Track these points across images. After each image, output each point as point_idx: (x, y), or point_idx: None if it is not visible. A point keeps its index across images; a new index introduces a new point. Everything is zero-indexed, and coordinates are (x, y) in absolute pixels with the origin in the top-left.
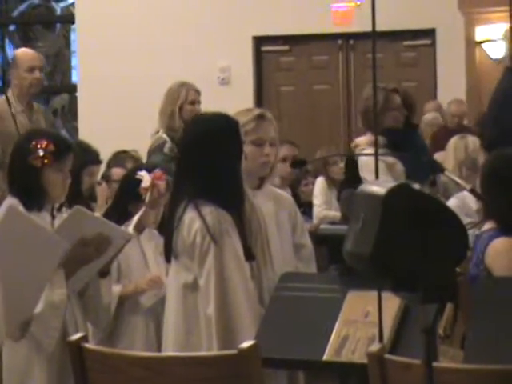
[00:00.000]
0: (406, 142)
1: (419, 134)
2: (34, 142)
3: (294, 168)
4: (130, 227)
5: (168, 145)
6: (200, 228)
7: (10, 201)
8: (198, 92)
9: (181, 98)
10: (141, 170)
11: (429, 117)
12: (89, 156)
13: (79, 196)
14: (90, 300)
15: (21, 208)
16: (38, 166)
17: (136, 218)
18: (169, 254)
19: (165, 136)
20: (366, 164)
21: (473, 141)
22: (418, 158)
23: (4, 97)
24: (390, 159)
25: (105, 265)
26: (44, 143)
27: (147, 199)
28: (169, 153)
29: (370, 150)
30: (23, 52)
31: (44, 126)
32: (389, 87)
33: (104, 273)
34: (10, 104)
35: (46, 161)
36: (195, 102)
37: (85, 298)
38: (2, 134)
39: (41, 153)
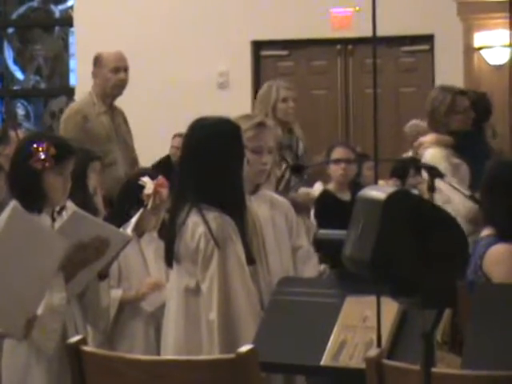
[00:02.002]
0: (471, 144)
1: (485, 137)
2: (35, 145)
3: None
4: (129, 229)
5: None
6: (204, 233)
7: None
8: (289, 89)
9: (272, 99)
10: (143, 175)
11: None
12: (89, 153)
13: (86, 195)
14: (89, 302)
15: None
16: (39, 169)
17: (134, 219)
18: (170, 258)
19: None
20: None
21: None
22: (481, 161)
23: (88, 96)
24: (456, 160)
25: (104, 267)
26: (45, 146)
27: (149, 205)
28: None
29: (434, 149)
30: (108, 52)
31: (124, 129)
32: (456, 89)
33: (103, 275)
34: (94, 104)
35: (46, 164)
36: (288, 99)
37: (84, 301)
38: (89, 134)
39: (42, 156)
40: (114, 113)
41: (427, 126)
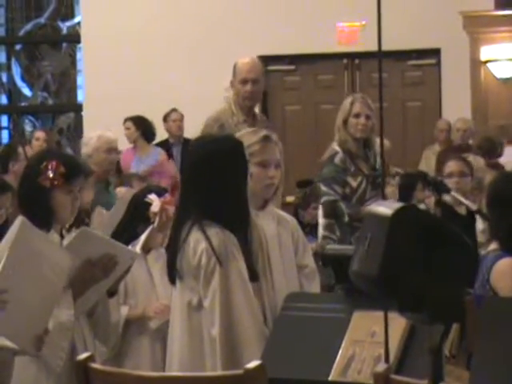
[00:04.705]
0: None
1: None
2: (44, 163)
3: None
4: (138, 247)
5: (339, 155)
6: (206, 249)
7: (22, 219)
8: (365, 104)
9: (344, 112)
10: (150, 192)
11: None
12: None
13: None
14: (99, 319)
15: None
16: (48, 187)
17: (143, 237)
18: (172, 274)
19: (337, 148)
20: None
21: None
22: None
23: (226, 105)
24: None
25: (112, 285)
26: (54, 165)
27: (156, 223)
28: (339, 164)
29: None
30: (242, 62)
31: None
32: None
33: (112, 292)
34: (232, 113)
35: (55, 182)
36: (360, 115)
37: (94, 318)
38: None
39: (51, 174)
40: (254, 122)
41: None
